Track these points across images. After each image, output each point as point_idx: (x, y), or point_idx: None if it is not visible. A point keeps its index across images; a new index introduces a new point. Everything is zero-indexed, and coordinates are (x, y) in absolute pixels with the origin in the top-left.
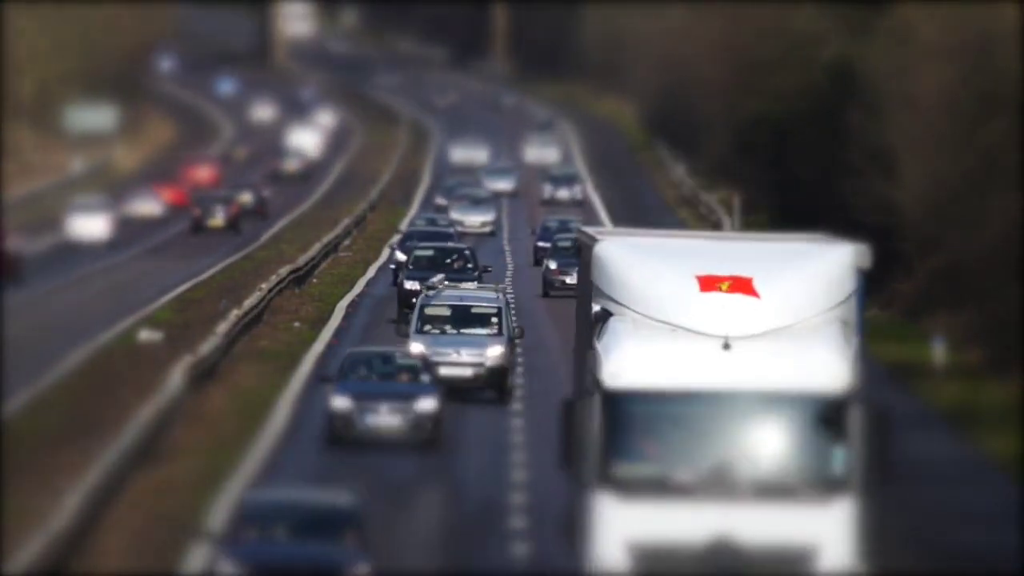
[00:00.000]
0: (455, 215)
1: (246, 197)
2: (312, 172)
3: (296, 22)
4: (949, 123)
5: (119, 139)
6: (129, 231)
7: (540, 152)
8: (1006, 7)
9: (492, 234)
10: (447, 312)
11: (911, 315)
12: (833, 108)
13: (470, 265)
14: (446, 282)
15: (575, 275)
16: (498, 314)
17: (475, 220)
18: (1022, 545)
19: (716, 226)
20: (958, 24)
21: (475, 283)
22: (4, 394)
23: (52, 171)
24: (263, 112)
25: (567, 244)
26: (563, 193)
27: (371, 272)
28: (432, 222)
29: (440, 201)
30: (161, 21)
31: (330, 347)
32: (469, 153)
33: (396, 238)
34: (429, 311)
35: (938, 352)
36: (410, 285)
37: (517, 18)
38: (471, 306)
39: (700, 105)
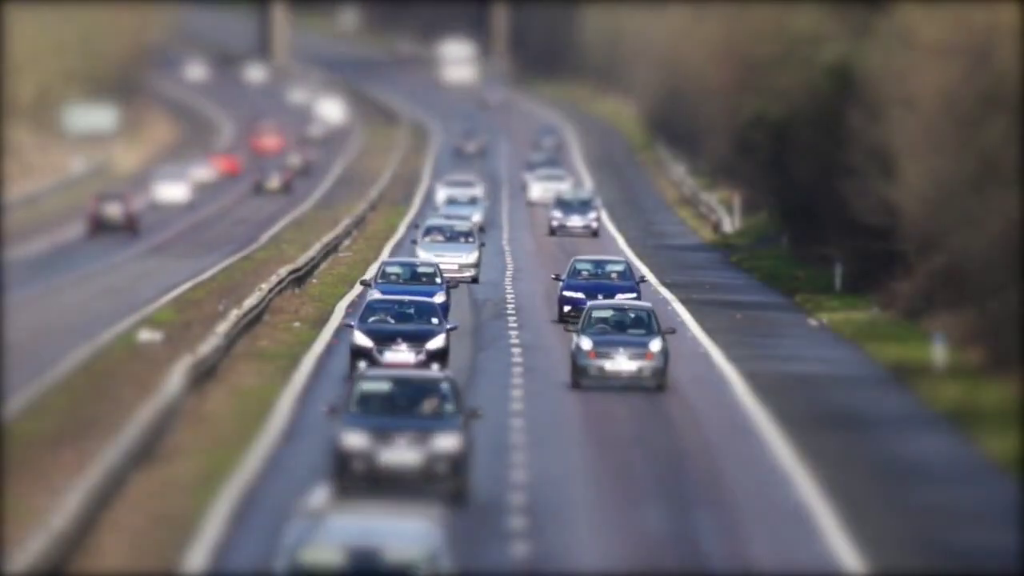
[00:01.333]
0: (424, 253)
1: (295, 161)
2: (334, 138)
3: (456, 68)
4: (949, 123)
5: (119, 139)
6: (199, 195)
7: (547, 187)
8: (1006, 7)
9: (474, 280)
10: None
11: (911, 315)
12: (833, 108)
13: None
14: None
15: (622, 357)
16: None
17: (451, 261)
18: (1022, 545)
19: (716, 226)
20: (958, 24)
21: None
22: (4, 394)
23: (52, 171)
24: (298, 95)
25: (605, 315)
26: (575, 221)
27: (371, 272)
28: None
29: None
30: (161, 21)
31: (330, 347)
32: (460, 191)
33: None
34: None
35: (938, 352)
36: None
37: (517, 18)
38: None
39: (700, 105)
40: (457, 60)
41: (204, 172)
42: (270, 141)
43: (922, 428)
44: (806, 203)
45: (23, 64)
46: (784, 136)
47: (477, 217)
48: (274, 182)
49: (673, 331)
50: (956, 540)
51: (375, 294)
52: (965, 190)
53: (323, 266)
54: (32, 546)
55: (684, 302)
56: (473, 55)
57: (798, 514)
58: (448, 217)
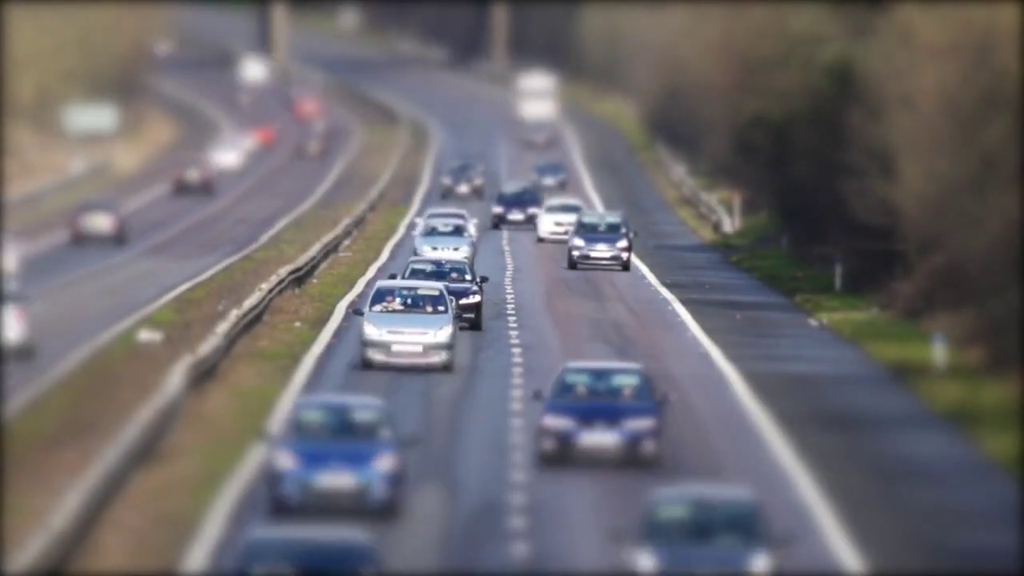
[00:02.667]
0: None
1: (321, 127)
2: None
3: (535, 103)
4: (949, 123)
5: (119, 139)
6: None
7: (561, 220)
8: (1006, 7)
9: (446, 369)
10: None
11: (911, 315)
12: (833, 108)
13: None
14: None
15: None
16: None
17: (409, 341)
18: (1022, 545)
19: (717, 226)
20: (958, 24)
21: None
22: (4, 394)
23: (52, 171)
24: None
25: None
26: (602, 251)
27: (371, 272)
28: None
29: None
30: (161, 21)
31: (330, 347)
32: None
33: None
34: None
35: (938, 352)
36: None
37: (517, 18)
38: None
39: (700, 105)
40: (536, 94)
41: (249, 142)
42: (309, 107)
43: (922, 428)
44: (806, 203)
45: (23, 64)
46: (784, 136)
47: (464, 251)
48: (313, 147)
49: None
50: (956, 540)
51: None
52: (965, 190)
53: (323, 266)
54: (32, 546)
55: (684, 302)
56: (553, 88)
57: (798, 514)
58: (418, 262)
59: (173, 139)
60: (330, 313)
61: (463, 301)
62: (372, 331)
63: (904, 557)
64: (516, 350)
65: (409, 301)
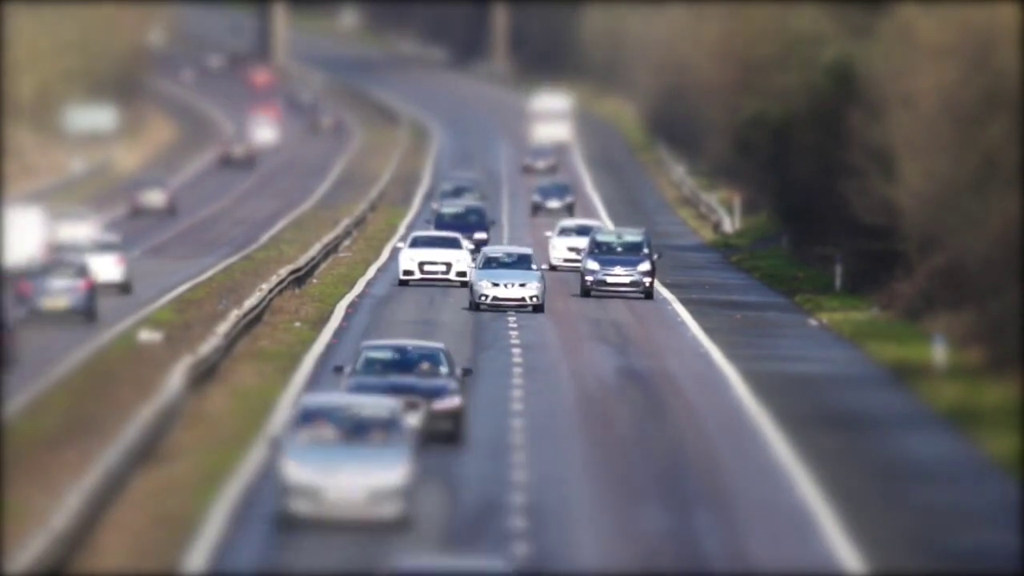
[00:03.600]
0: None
1: (329, 120)
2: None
3: (549, 125)
4: (949, 123)
5: (119, 139)
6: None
7: (572, 242)
8: (1006, 7)
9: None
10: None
11: (911, 315)
12: (833, 108)
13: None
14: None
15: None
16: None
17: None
18: (1022, 545)
19: (717, 226)
20: (958, 24)
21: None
22: (4, 394)
23: (52, 171)
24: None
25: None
26: (619, 275)
27: (371, 272)
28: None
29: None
30: (161, 21)
31: (330, 347)
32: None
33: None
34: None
35: (938, 352)
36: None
37: (517, 18)
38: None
39: (700, 105)
40: (550, 115)
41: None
42: (261, 78)
43: (922, 428)
44: (806, 203)
45: (23, 64)
46: (784, 136)
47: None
48: (327, 121)
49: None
50: (956, 540)
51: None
52: (965, 190)
53: (323, 266)
54: (32, 546)
55: (684, 302)
56: (569, 108)
57: (798, 514)
58: (375, 349)
59: (173, 139)
60: (330, 313)
61: (438, 406)
62: (296, 472)
63: (904, 557)
64: (516, 350)
65: (348, 426)
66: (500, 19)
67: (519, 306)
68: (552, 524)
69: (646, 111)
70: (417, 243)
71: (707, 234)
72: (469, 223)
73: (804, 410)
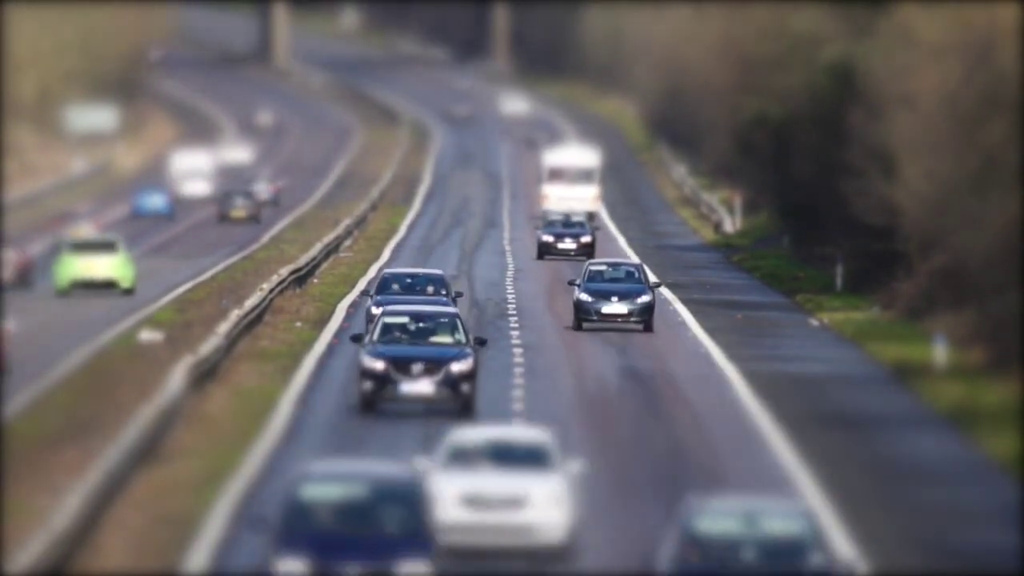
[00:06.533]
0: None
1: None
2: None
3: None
4: (949, 123)
5: (120, 139)
6: None
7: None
8: (1006, 7)
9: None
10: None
11: (912, 315)
12: (833, 108)
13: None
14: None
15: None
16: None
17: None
18: (1022, 545)
19: (717, 226)
20: (958, 24)
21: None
22: (4, 394)
23: (53, 171)
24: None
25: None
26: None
27: (372, 272)
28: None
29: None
30: (160, 21)
31: (330, 347)
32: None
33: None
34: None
35: (939, 352)
36: None
37: (518, 18)
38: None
39: (701, 105)
40: (572, 175)
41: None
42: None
43: (923, 428)
44: (807, 203)
45: (24, 64)
46: (785, 136)
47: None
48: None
49: None
50: (956, 540)
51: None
52: (965, 190)
53: (324, 266)
54: (33, 546)
55: (685, 302)
56: (596, 166)
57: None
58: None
59: (174, 139)
60: (331, 313)
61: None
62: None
63: (904, 557)
64: (517, 350)
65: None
66: (500, 19)
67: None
68: None
69: (647, 111)
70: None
71: (708, 234)
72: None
73: (805, 410)
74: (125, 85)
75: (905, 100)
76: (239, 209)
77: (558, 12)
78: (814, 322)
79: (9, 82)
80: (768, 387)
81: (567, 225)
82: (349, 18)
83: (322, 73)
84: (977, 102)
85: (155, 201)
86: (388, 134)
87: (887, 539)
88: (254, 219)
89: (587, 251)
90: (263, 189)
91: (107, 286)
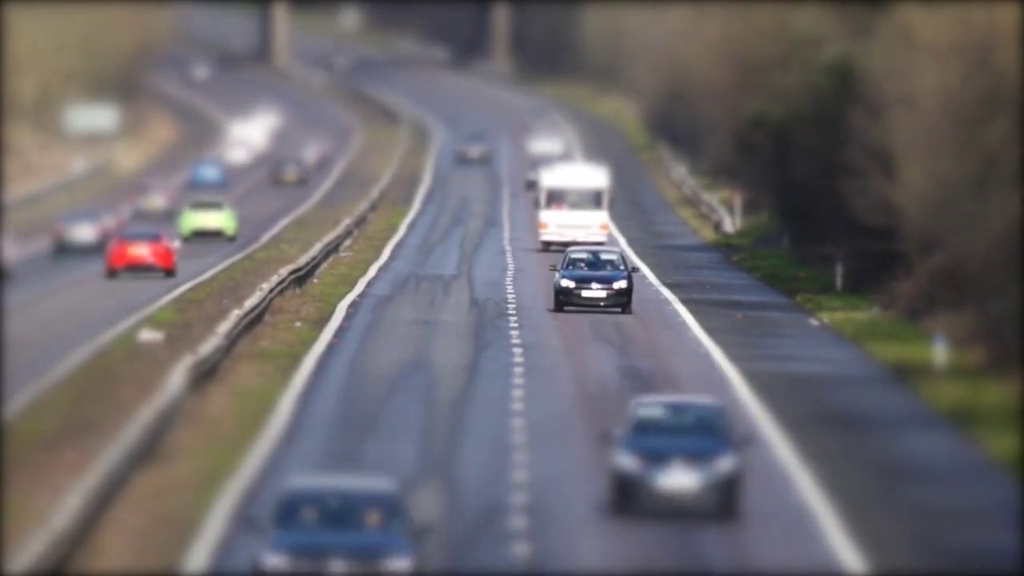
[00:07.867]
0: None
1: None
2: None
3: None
4: (949, 123)
5: (120, 139)
6: None
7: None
8: (1006, 7)
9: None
10: None
11: (912, 315)
12: (833, 108)
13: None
14: None
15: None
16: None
17: None
18: (1022, 545)
19: (717, 226)
20: (958, 24)
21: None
22: (5, 394)
23: (53, 171)
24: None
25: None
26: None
27: (372, 272)
28: None
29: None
30: (161, 21)
31: (331, 347)
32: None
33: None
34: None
35: (939, 352)
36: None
37: (518, 18)
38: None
39: (701, 105)
40: (575, 197)
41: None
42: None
43: (923, 428)
44: (807, 203)
45: (24, 64)
46: (785, 136)
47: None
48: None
49: None
50: (956, 540)
51: None
52: (965, 190)
53: (324, 266)
54: (33, 546)
55: (685, 302)
56: (605, 186)
57: (799, 514)
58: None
59: (174, 139)
60: (331, 313)
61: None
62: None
63: (904, 557)
64: (517, 350)
65: None
66: (501, 19)
67: None
68: (552, 524)
69: (647, 111)
70: None
71: (708, 234)
72: None
73: (805, 410)
74: (125, 85)
75: (905, 100)
76: (290, 173)
77: (558, 12)
78: (814, 322)
79: (9, 82)
80: (768, 387)
81: (594, 265)
82: (349, 18)
83: (325, 73)
84: (977, 102)
85: (209, 172)
86: (388, 134)
87: (887, 539)
88: (303, 182)
89: (622, 301)
90: (311, 153)
91: (217, 234)
